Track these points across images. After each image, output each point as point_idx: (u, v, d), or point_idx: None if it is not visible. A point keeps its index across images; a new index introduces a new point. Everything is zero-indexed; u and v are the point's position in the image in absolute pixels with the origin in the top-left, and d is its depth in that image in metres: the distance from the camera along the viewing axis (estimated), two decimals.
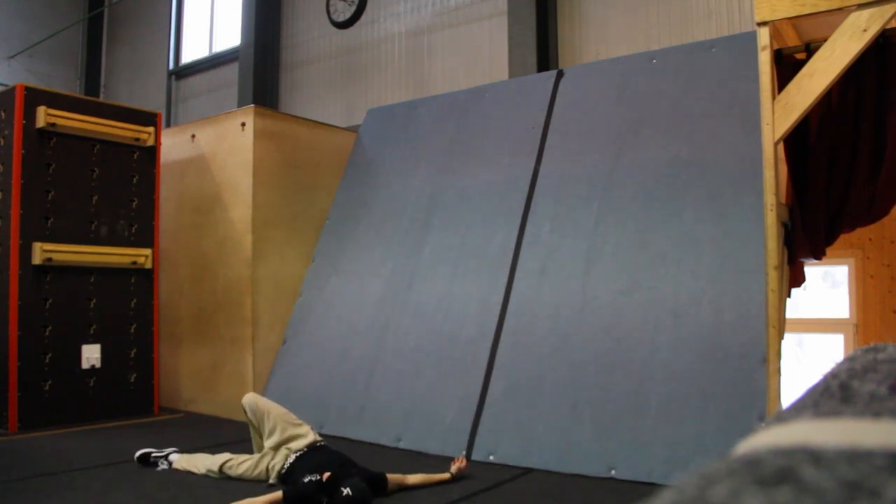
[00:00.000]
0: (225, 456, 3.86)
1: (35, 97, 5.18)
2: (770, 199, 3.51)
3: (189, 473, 3.86)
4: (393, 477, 3.52)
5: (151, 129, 5.80)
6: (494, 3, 7.94)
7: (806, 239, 3.84)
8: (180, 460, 3.96)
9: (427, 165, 5.78)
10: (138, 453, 4.02)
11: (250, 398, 3.94)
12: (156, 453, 4.00)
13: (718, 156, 4.46)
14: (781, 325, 3.55)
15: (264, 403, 3.92)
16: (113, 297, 5.51)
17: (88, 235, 5.41)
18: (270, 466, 3.71)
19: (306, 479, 3.29)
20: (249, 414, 3.89)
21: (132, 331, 5.61)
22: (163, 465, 3.95)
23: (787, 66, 3.67)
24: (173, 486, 3.64)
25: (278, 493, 3.27)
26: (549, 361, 4.33)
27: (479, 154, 5.54)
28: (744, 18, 6.37)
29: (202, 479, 3.77)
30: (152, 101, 10.85)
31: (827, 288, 5.80)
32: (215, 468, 3.79)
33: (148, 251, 5.70)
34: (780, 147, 3.66)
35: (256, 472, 3.73)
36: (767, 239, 3.55)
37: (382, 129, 6.35)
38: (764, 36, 3.56)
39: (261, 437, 3.87)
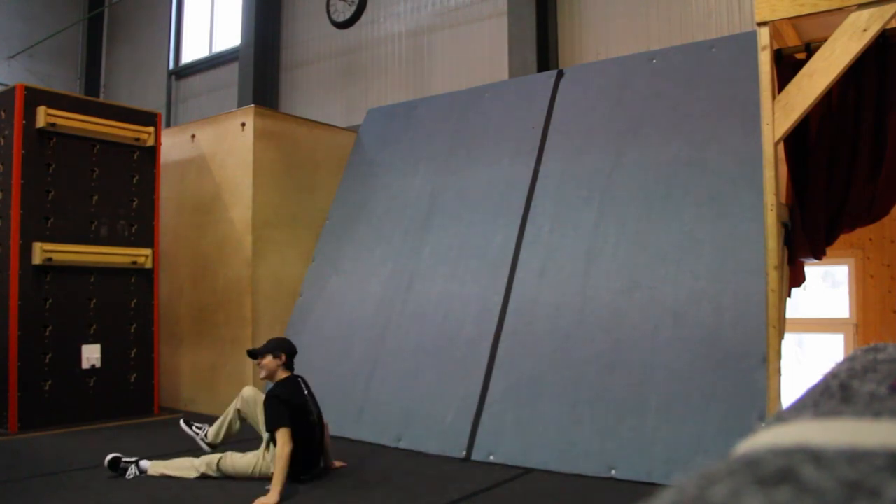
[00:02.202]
0: (217, 455, 3.85)
1: (35, 97, 5.18)
2: (770, 199, 3.51)
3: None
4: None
5: (151, 129, 5.81)
6: (494, 3, 7.94)
7: (806, 239, 3.84)
8: (156, 466, 3.83)
9: (427, 165, 5.78)
10: (109, 457, 3.86)
11: (252, 392, 4.04)
12: (125, 459, 3.87)
13: (718, 156, 4.46)
14: (781, 325, 3.55)
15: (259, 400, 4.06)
16: (113, 297, 5.51)
17: (88, 235, 5.41)
18: (265, 465, 3.72)
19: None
20: (246, 407, 3.99)
21: (132, 331, 5.61)
22: (132, 472, 3.80)
23: (787, 66, 3.67)
24: (175, 486, 3.64)
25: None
26: (549, 361, 4.33)
27: (479, 154, 5.54)
28: (744, 18, 6.37)
29: (203, 479, 3.75)
30: (152, 101, 10.85)
31: (827, 288, 5.80)
32: (213, 467, 3.77)
33: (148, 251, 5.70)
34: (780, 147, 3.66)
35: (257, 469, 3.73)
36: (767, 239, 3.55)
37: (382, 129, 6.35)
38: (764, 36, 3.56)
39: (238, 428, 4.05)
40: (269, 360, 3.80)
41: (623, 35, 7.08)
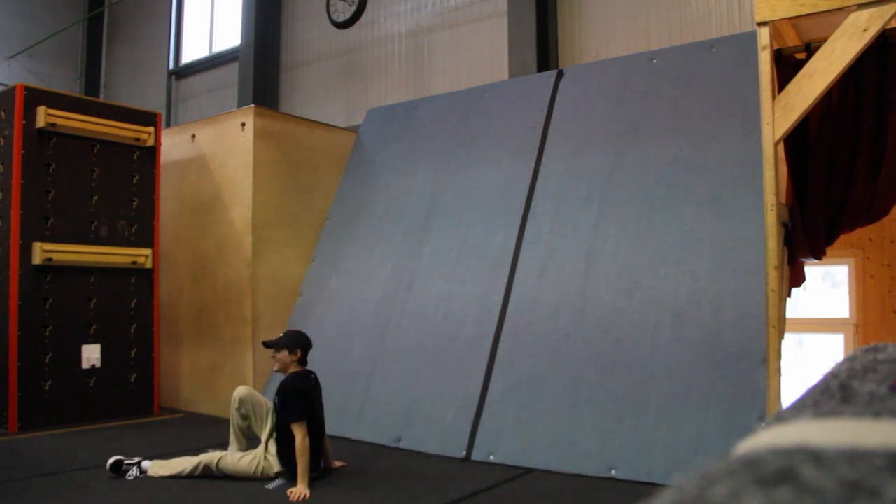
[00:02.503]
0: (217, 454, 3.85)
1: (35, 97, 5.18)
2: (770, 199, 3.50)
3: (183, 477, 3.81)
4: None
5: (151, 129, 5.80)
6: (494, 3, 7.94)
7: (806, 239, 3.83)
8: (154, 466, 3.83)
9: (427, 165, 5.78)
10: (111, 461, 3.84)
11: (246, 391, 3.99)
12: (127, 461, 3.86)
13: (718, 156, 4.46)
14: (781, 325, 3.55)
15: (258, 395, 4.03)
16: (113, 297, 5.51)
17: (88, 235, 5.41)
18: (267, 465, 3.72)
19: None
20: (243, 407, 3.93)
21: (132, 331, 5.61)
22: (133, 473, 3.80)
23: (787, 66, 3.67)
24: (175, 486, 3.64)
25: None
26: (549, 361, 4.33)
27: (479, 154, 5.54)
28: (744, 18, 6.37)
29: (204, 478, 3.76)
30: (152, 101, 10.84)
31: (827, 288, 5.80)
32: (214, 466, 3.77)
33: (148, 251, 5.70)
34: (780, 147, 3.66)
35: (258, 468, 3.73)
36: (767, 239, 3.55)
37: (382, 129, 6.35)
38: (764, 36, 3.56)
39: (246, 426, 3.97)
40: (284, 354, 3.81)
41: (623, 35, 7.07)
